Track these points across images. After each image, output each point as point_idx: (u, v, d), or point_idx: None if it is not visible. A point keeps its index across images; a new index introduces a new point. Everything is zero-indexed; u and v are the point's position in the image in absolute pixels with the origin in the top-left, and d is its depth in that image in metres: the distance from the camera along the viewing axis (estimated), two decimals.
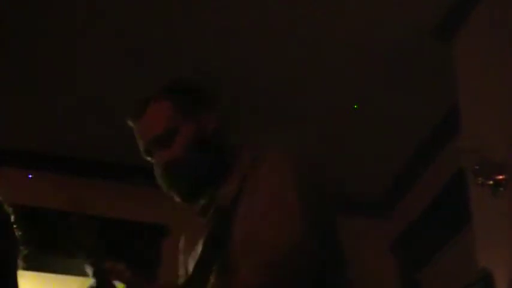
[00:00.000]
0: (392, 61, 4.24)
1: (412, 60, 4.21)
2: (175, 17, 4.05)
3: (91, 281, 1.89)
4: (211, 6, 4.00)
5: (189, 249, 2.17)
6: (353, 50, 4.22)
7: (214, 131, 2.11)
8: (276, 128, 4.60)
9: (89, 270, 1.89)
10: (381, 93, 4.45)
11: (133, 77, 4.39)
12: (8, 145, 4.79)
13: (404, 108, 4.49)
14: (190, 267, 2.08)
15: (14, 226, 1.80)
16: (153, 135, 2.08)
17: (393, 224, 5.14)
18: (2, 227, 1.77)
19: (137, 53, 4.24)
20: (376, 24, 4.06)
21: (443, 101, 4.30)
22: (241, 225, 1.94)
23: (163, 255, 4.90)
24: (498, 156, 3.39)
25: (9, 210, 1.81)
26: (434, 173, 4.74)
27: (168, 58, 4.24)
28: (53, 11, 4.01)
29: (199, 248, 2.06)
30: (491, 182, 3.33)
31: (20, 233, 1.81)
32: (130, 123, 2.14)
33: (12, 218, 1.81)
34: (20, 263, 1.79)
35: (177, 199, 2.11)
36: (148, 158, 2.13)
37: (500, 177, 3.32)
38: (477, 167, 3.36)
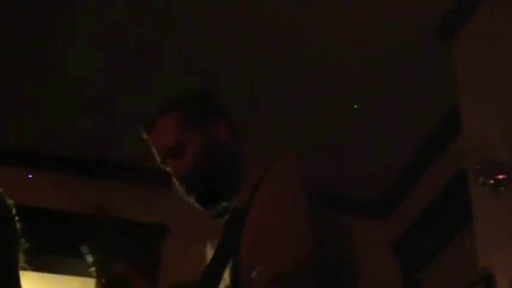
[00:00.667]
0: (392, 61, 4.23)
1: (413, 60, 4.20)
2: (175, 17, 4.05)
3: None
4: (211, 6, 4.00)
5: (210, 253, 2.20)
6: (353, 50, 4.21)
7: (225, 138, 2.16)
8: (276, 128, 4.62)
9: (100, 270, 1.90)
10: (382, 94, 4.45)
11: (133, 77, 4.39)
12: (8, 144, 4.79)
13: (405, 108, 4.49)
14: None
15: (16, 218, 1.81)
16: (164, 148, 2.14)
17: (394, 224, 5.14)
18: (3, 220, 1.77)
19: (137, 53, 4.24)
20: (376, 24, 4.06)
21: (444, 101, 4.30)
22: (250, 236, 1.94)
23: (164, 255, 4.90)
24: (499, 155, 3.39)
25: (11, 202, 1.82)
26: (435, 172, 4.74)
27: (168, 58, 4.25)
28: (53, 11, 4.01)
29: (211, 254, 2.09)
30: (492, 182, 3.33)
31: (21, 226, 1.82)
32: (143, 136, 2.20)
33: (14, 210, 1.81)
34: (21, 256, 1.79)
35: (196, 206, 2.15)
36: (166, 168, 2.18)
37: (501, 176, 3.32)
38: (478, 167, 3.36)
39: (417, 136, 4.72)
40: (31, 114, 4.65)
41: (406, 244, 5.02)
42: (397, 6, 3.93)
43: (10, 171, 4.70)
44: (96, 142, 4.87)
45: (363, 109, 4.55)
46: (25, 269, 1.80)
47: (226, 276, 2.00)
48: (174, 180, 2.15)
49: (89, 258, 1.95)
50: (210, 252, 2.18)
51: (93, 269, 1.94)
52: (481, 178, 3.35)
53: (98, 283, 2.00)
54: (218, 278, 1.98)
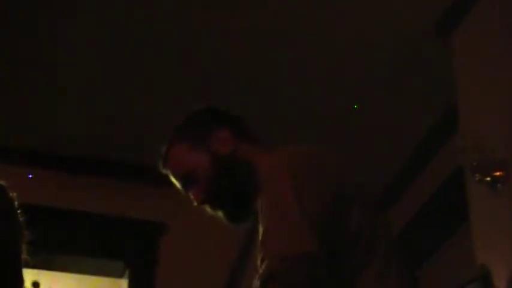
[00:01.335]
0: (390, 60, 4.24)
1: (411, 58, 4.21)
2: (175, 17, 4.06)
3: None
4: (211, 6, 4.01)
5: None
6: (352, 49, 4.22)
7: (229, 148, 2.18)
8: (275, 128, 4.62)
9: None
10: (380, 92, 4.46)
11: (133, 77, 4.40)
12: (8, 144, 4.80)
13: (403, 106, 4.49)
14: None
15: (19, 211, 1.82)
16: (180, 181, 2.20)
17: (392, 222, 5.12)
18: (5, 214, 1.78)
19: (138, 53, 4.25)
20: (375, 23, 4.07)
21: (442, 99, 4.30)
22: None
23: (162, 253, 4.91)
24: (497, 153, 3.39)
25: (14, 195, 1.83)
26: (432, 170, 4.74)
27: (169, 58, 4.25)
28: (53, 11, 4.02)
29: None
30: (489, 179, 3.34)
31: (23, 219, 1.83)
32: (163, 171, 2.25)
33: (16, 203, 1.83)
34: (24, 249, 1.80)
35: (230, 225, 2.20)
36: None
37: (498, 173, 3.32)
38: (475, 164, 3.37)
39: (415, 134, 4.72)
40: (31, 114, 4.65)
41: (404, 241, 5.01)
42: (396, 5, 3.94)
43: (10, 170, 4.71)
44: (96, 142, 4.88)
45: (362, 108, 4.55)
46: (27, 262, 1.81)
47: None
48: (199, 206, 2.19)
49: None
50: None
51: None
52: (478, 175, 3.36)
53: None
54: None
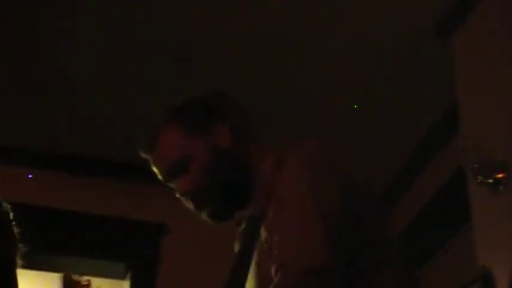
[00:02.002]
0: (391, 60, 4.24)
1: (411, 58, 4.21)
2: (175, 17, 4.05)
3: None
4: (212, 6, 4.00)
5: None
6: (352, 49, 4.22)
7: (229, 144, 2.04)
8: (275, 128, 4.62)
9: None
10: (381, 92, 4.45)
11: (133, 77, 4.40)
12: (8, 144, 4.80)
13: (404, 106, 4.49)
14: None
15: (13, 223, 1.79)
16: (167, 166, 2.02)
17: (393, 222, 5.13)
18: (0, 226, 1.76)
19: (138, 53, 4.24)
20: (375, 23, 4.07)
21: (442, 100, 4.30)
22: (266, 245, 1.88)
23: (163, 254, 4.91)
24: (498, 154, 3.39)
25: (8, 207, 1.80)
26: (433, 171, 4.74)
27: (169, 58, 4.25)
28: (53, 11, 4.01)
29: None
30: (490, 181, 3.33)
31: (18, 231, 1.80)
32: (143, 155, 2.07)
33: (11, 215, 1.80)
34: (19, 261, 1.79)
35: (210, 222, 2.05)
36: (171, 185, 2.07)
37: (500, 175, 3.31)
38: (476, 166, 3.36)
39: (415, 135, 4.72)
40: (31, 114, 4.65)
41: (405, 242, 5.01)
42: (396, 5, 3.94)
43: (10, 170, 4.71)
44: (96, 142, 4.87)
45: (362, 108, 4.55)
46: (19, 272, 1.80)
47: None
48: (180, 197, 2.03)
49: None
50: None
51: None
52: (479, 177, 3.35)
53: None
54: None
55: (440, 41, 4.04)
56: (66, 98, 4.54)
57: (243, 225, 2.05)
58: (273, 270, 1.80)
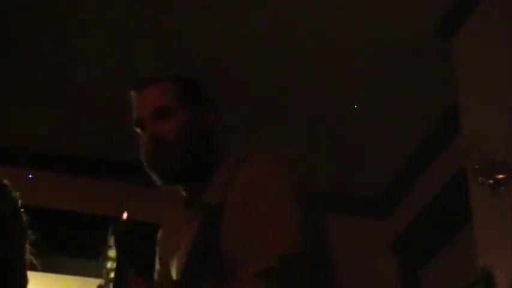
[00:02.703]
0: (391, 60, 4.24)
1: (412, 59, 4.20)
2: (175, 17, 4.05)
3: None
4: (212, 6, 4.00)
5: (169, 241, 2.16)
6: (353, 49, 4.22)
7: (211, 126, 2.16)
8: (275, 128, 4.61)
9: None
10: (381, 93, 4.45)
11: (133, 77, 4.39)
12: (8, 144, 4.80)
13: (404, 107, 4.49)
14: (172, 266, 2.11)
15: (22, 210, 1.83)
16: (153, 106, 2.11)
17: (394, 223, 5.13)
18: (10, 213, 1.78)
19: (138, 53, 4.24)
20: (375, 23, 4.07)
21: (443, 100, 4.30)
22: (232, 236, 1.92)
23: None
24: (499, 155, 3.39)
25: (17, 194, 1.84)
26: (434, 172, 4.74)
27: (169, 58, 4.25)
28: (53, 11, 4.01)
29: (183, 249, 2.05)
30: (491, 182, 3.33)
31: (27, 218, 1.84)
32: (132, 92, 2.18)
33: (20, 202, 1.84)
34: (28, 247, 1.81)
35: (155, 178, 2.13)
36: (138, 130, 2.15)
37: (501, 176, 3.31)
38: (477, 166, 3.36)
39: (417, 135, 4.72)
40: (31, 114, 4.65)
41: (406, 243, 5.01)
42: (396, 5, 3.94)
43: (10, 170, 4.70)
44: (97, 142, 4.87)
45: (363, 108, 4.55)
46: (32, 262, 1.82)
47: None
48: (144, 144, 2.11)
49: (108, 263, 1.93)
50: (166, 242, 2.16)
51: (110, 273, 1.91)
52: (480, 178, 3.35)
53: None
54: (199, 278, 1.95)
55: (441, 42, 4.04)
56: (66, 98, 4.53)
57: (196, 212, 2.08)
58: (239, 255, 1.86)
